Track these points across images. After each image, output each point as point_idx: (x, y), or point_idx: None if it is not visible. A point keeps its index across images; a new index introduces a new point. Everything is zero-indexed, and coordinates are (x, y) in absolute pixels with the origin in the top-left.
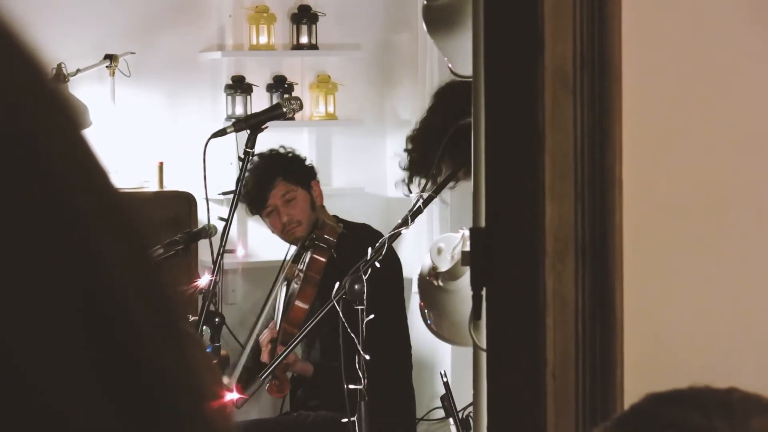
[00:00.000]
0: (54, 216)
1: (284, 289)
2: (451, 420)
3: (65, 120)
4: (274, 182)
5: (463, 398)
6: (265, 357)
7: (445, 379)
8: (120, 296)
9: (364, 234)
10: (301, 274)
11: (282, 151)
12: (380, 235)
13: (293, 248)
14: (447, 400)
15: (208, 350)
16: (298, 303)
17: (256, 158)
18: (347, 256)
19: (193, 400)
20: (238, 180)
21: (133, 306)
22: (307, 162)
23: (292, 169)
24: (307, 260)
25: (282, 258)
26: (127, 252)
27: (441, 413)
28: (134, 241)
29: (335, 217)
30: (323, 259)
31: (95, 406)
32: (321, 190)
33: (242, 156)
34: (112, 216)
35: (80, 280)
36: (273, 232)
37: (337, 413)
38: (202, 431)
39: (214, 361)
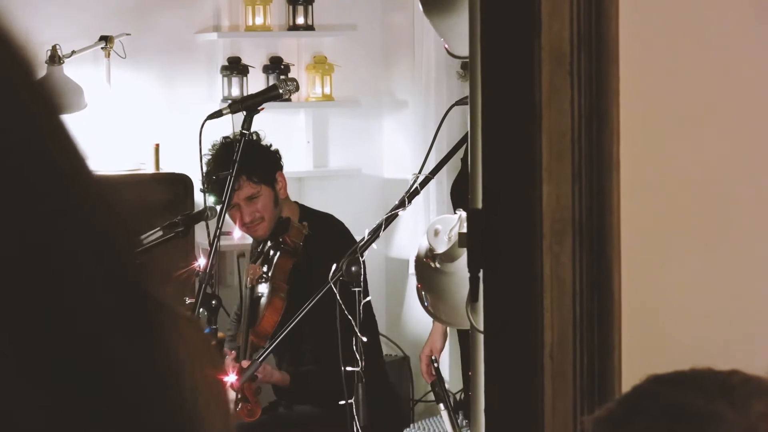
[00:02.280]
0: (7, 198)
1: (248, 292)
2: (441, 405)
3: (30, 103)
4: (238, 182)
5: (460, 381)
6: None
7: (436, 365)
8: (83, 287)
9: (328, 231)
10: (267, 281)
11: (246, 143)
12: (343, 226)
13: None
14: (438, 385)
15: (206, 331)
16: (267, 315)
17: (218, 149)
18: (314, 261)
19: (163, 391)
20: (234, 162)
21: (98, 296)
22: (273, 148)
23: (256, 167)
24: (273, 264)
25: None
26: (94, 239)
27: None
28: (104, 227)
29: (297, 204)
30: (289, 265)
31: (39, 402)
32: (285, 181)
33: (238, 136)
34: (79, 202)
35: (38, 267)
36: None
37: (318, 408)
38: (172, 421)
39: (213, 343)
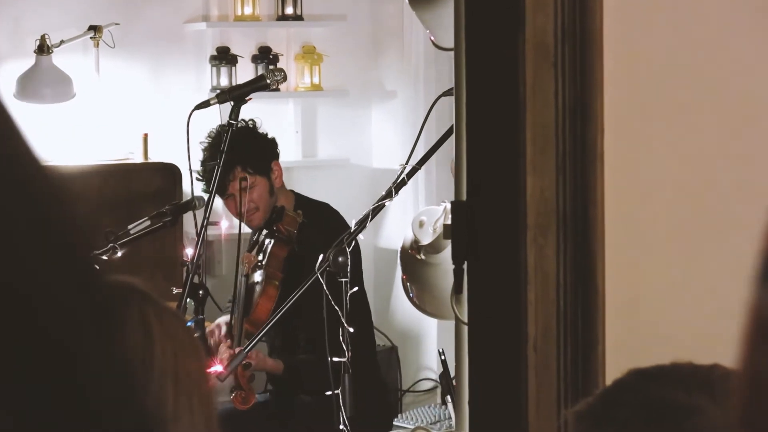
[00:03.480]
0: None
1: (243, 280)
2: (449, 398)
3: None
4: (233, 172)
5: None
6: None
7: (443, 357)
8: (39, 286)
9: (323, 219)
10: (262, 269)
11: (241, 131)
12: (339, 215)
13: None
14: (445, 378)
15: (189, 324)
16: (261, 303)
17: (213, 138)
18: (308, 249)
19: (126, 395)
20: (221, 152)
21: (56, 294)
22: (268, 138)
23: (251, 157)
24: (268, 253)
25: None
26: (46, 236)
27: (427, 385)
28: (59, 222)
29: (293, 192)
30: (284, 254)
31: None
32: (281, 170)
33: (226, 127)
34: (32, 200)
35: None
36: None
37: (308, 397)
38: (137, 425)
39: (196, 335)
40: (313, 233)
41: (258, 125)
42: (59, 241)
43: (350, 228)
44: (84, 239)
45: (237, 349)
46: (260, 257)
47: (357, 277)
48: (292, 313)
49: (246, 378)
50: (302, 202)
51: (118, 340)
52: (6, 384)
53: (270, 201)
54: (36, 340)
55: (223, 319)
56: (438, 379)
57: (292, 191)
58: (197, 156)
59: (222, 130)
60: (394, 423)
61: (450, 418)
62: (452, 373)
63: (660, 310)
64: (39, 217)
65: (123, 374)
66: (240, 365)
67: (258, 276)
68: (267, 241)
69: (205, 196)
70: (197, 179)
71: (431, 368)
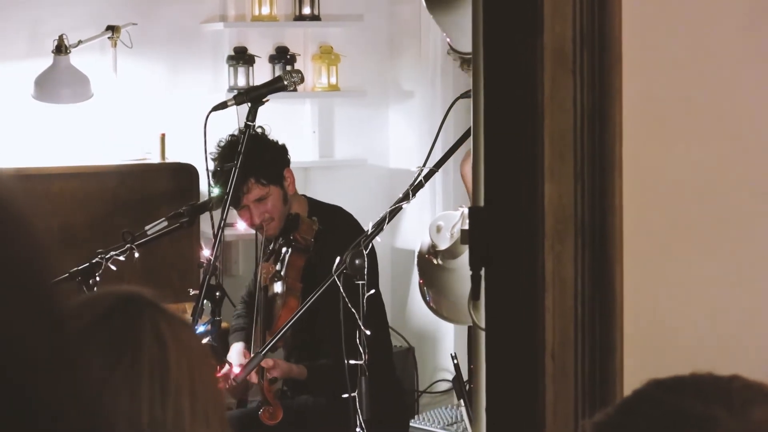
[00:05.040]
0: None
1: (262, 293)
2: (462, 401)
3: None
4: (246, 184)
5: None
6: (254, 378)
7: (455, 361)
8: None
9: (338, 225)
10: (281, 280)
11: (252, 141)
12: (353, 219)
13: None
14: (458, 381)
15: (198, 332)
16: (284, 315)
17: (225, 145)
18: (326, 257)
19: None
20: (238, 153)
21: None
22: (280, 143)
23: (264, 168)
24: (285, 262)
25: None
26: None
27: (444, 386)
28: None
29: (305, 197)
30: (301, 263)
31: None
32: (293, 177)
33: (243, 129)
34: None
35: None
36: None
37: (326, 400)
38: None
39: (204, 341)
40: (330, 240)
41: (267, 132)
42: (19, 276)
43: (365, 231)
44: (46, 270)
45: (264, 361)
46: (278, 267)
47: (373, 280)
48: (311, 317)
49: (273, 393)
50: (315, 207)
51: (81, 367)
52: None
53: (284, 209)
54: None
55: (237, 354)
56: (451, 382)
57: (304, 196)
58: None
59: (231, 139)
60: (411, 424)
61: (464, 420)
62: (465, 376)
63: (679, 318)
64: None
65: (84, 401)
66: (266, 381)
67: (278, 287)
68: (284, 249)
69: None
70: (210, 187)
71: (448, 369)
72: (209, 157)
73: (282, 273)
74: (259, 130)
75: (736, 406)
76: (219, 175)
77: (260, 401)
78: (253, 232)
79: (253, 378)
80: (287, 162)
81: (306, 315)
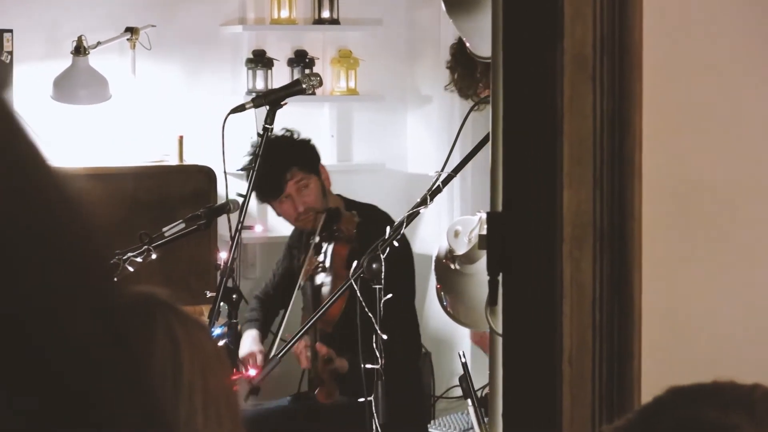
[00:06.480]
0: None
1: (309, 284)
2: (469, 401)
3: None
4: (289, 171)
5: (483, 377)
6: (304, 363)
7: (463, 360)
8: (47, 308)
9: (377, 219)
10: (325, 271)
11: (290, 135)
12: (389, 216)
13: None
14: (465, 381)
15: (214, 335)
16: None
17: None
18: (368, 247)
19: (148, 415)
20: (256, 156)
21: (67, 330)
22: (312, 142)
23: (304, 156)
24: (330, 253)
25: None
26: (57, 246)
27: (459, 392)
28: (69, 232)
29: (339, 196)
30: (345, 252)
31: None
32: (327, 173)
33: (261, 132)
34: (37, 212)
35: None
36: (285, 218)
37: (346, 397)
38: None
39: (220, 343)
40: (373, 231)
41: (295, 135)
42: (71, 261)
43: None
44: (100, 256)
45: (317, 345)
46: (321, 258)
47: (409, 281)
48: (353, 313)
49: (328, 372)
50: (351, 204)
51: (143, 361)
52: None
53: (324, 202)
54: (49, 388)
55: (253, 343)
56: (458, 382)
57: (339, 195)
58: (232, 159)
59: (266, 137)
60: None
61: (471, 420)
62: (473, 378)
63: (698, 324)
64: (47, 232)
65: (147, 400)
66: (321, 361)
67: (323, 278)
68: (326, 242)
69: (240, 200)
70: (244, 195)
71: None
72: (246, 154)
73: (327, 264)
74: (289, 133)
75: (758, 415)
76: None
77: (315, 381)
78: (270, 235)
79: (304, 363)
80: (320, 158)
81: (352, 310)
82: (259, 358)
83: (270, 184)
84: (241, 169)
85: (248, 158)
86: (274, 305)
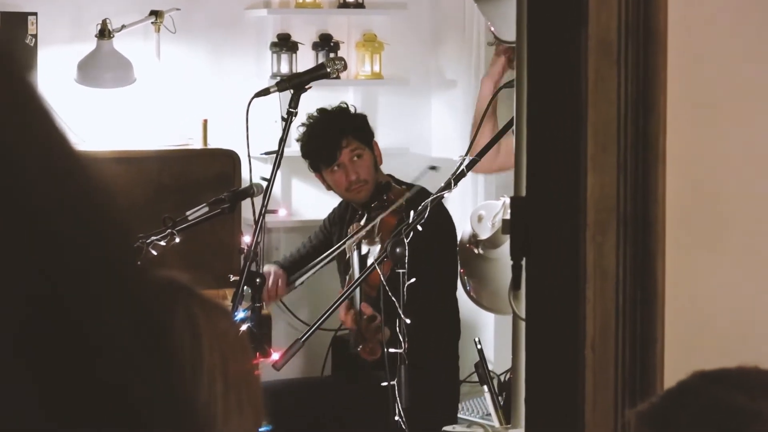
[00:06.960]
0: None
1: (355, 251)
2: (485, 387)
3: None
4: (344, 139)
5: (506, 362)
6: (348, 323)
7: (479, 347)
8: (81, 287)
9: (425, 196)
10: (373, 239)
11: (346, 107)
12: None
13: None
14: (481, 367)
15: (237, 319)
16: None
17: (318, 114)
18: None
19: (176, 404)
20: (281, 140)
21: (97, 297)
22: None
23: (359, 127)
24: (380, 222)
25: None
26: (89, 229)
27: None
28: (98, 216)
29: (390, 176)
30: (394, 222)
31: (26, 405)
32: (380, 151)
33: (285, 116)
34: (72, 190)
35: (29, 267)
36: (334, 189)
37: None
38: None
39: (241, 328)
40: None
41: (352, 109)
42: (107, 245)
43: (447, 212)
44: (131, 241)
45: (362, 305)
46: (369, 227)
47: (451, 261)
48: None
49: (372, 331)
50: (400, 183)
51: (169, 351)
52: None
53: (375, 176)
54: (91, 385)
55: (274, 272)
56: (474, 368)
57: (389, 175)
58: (257, 143)
59: (324, 110)
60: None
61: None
62: (490, 364)
63: (720, 309)
64: (87, 214)
65: (175, 389)
66: (364, 320)
67: (366, 247)
68: (375, 213)
69: (264, 184)
70: (271, 173)
71: (488, 359)
72: (299, 125)
73: (375, 232)
74: (348, 106)
75: None
76: (309, 148)
77: (358, 338)
78: (294, 219)
79: (349, 323)
80: (374, 134)
81: (393, 275)
82: (277, 278)
83: (326, 151)
84: (297, 140)
85: (303, 129)
86: (304, 260)
